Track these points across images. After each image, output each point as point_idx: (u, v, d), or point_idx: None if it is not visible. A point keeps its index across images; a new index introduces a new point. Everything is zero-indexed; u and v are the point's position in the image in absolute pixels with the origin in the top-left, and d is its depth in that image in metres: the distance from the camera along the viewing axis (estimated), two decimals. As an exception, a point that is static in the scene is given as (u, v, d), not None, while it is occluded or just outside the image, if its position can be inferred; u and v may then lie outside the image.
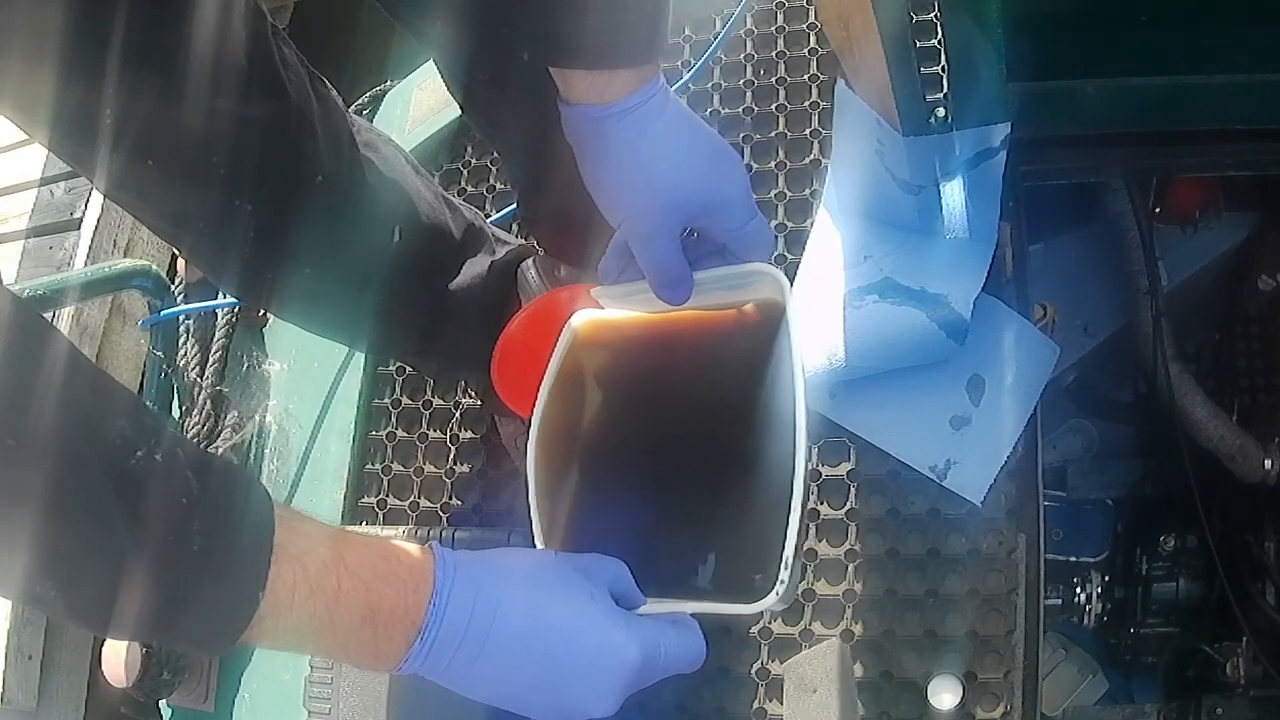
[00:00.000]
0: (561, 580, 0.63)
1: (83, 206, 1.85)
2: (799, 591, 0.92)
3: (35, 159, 1.98)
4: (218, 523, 0.53)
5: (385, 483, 1.17)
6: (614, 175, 0.72)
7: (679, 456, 0.77)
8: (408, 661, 0.58)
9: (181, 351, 1.25)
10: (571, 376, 0.80)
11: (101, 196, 1.80)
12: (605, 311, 0.81)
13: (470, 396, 1.16)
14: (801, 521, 0.66)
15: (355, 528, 1.13)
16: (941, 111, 0.96)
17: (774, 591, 0.65)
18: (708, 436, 0.76)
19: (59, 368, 0.50)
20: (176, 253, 1.30)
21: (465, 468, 1.14)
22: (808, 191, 1.11)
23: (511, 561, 0.64)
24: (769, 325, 0.74)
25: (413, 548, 0.61)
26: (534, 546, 0.75)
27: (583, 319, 0.81)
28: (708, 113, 1.19)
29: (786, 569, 0.65)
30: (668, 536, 0.74)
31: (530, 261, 1.02)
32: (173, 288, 1.28)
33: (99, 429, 0.50)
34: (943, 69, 0.95)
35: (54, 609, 0.52)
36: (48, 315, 1.56)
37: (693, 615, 0.68)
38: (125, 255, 1.81)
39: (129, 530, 0.50)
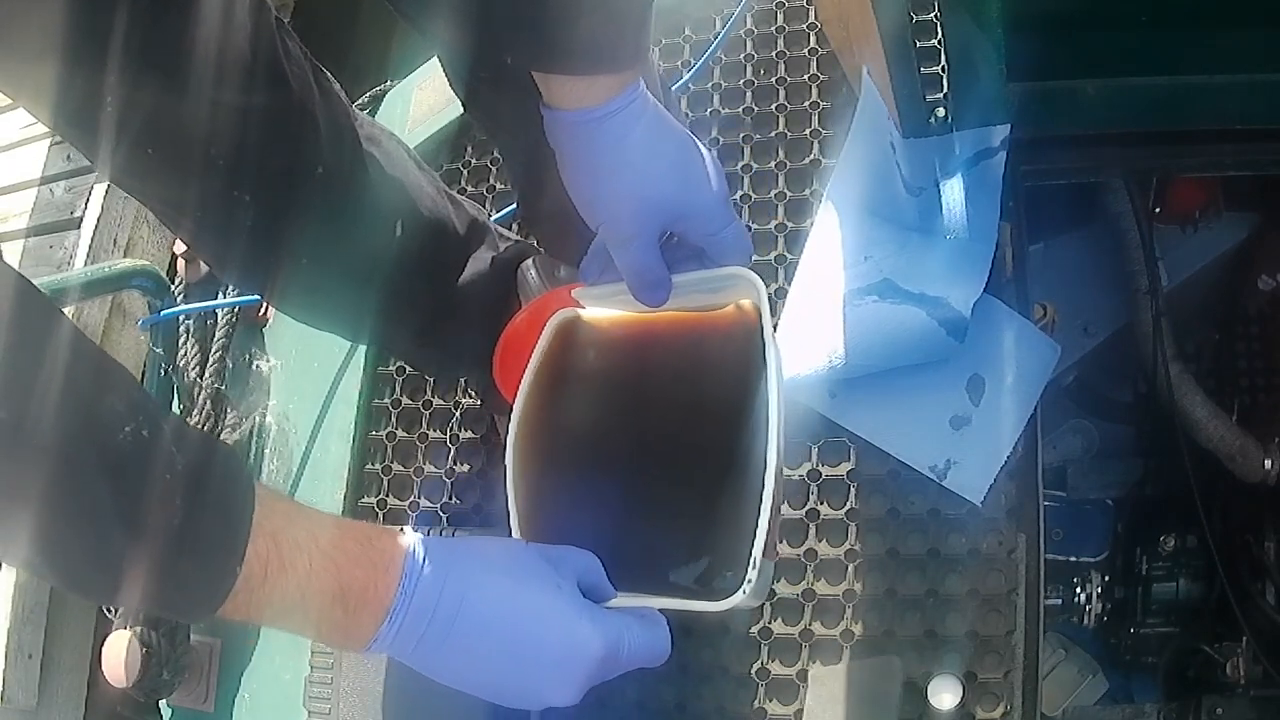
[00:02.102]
0: (530, 569, 0.64)
1: (83, 205, 1.84)
2: (799, 593, 0.93)
3: (35, 158, 1.98)
4: (199, 498, 0.54)
5: (385, 483, 1.17)
6: (593, 179, 0.73)
7: (657, 454, 0.78)
8: (376, 642, 0.60)
9: (181, 351, 1.25)
10: (553, 374, 0.81)
11: (102, 195, 1.80)
12: (589, 310, 0.82)
13: (470, 396, 1.16)
14: (771, 520, 0.67)
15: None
16: (941, 111, 0.96)
17: (741, 590, 0.66)
18: (686, 435, 0.77)
19: (58, 345, 0.51)
20: (180, 242, 1.30)
21: (465, 468, 1.14)
22: (808, 191, 1.11)
23: (482, 549, 0.65)
24: (746, 327, 0.75)
25: (387, 532, 0.62)
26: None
27: (565, 317, 0.82)
28: (708, 113, 1.19)
29: (754, 567, 0.66)
30: (644, 533, 0.75)
31: (531, 261, 1.02)
32: (173, 288, 1.28)
33: (92, 405, 0.51)
34: (943, 69, 0.95)
35: (44, 574, 0.55)
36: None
37: (663, 611, 0.69)
38: (125, 255, 1.80)
39: (113, 503, 0.51)
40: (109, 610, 1.08)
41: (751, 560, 0.66)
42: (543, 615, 0.62)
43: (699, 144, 0.75)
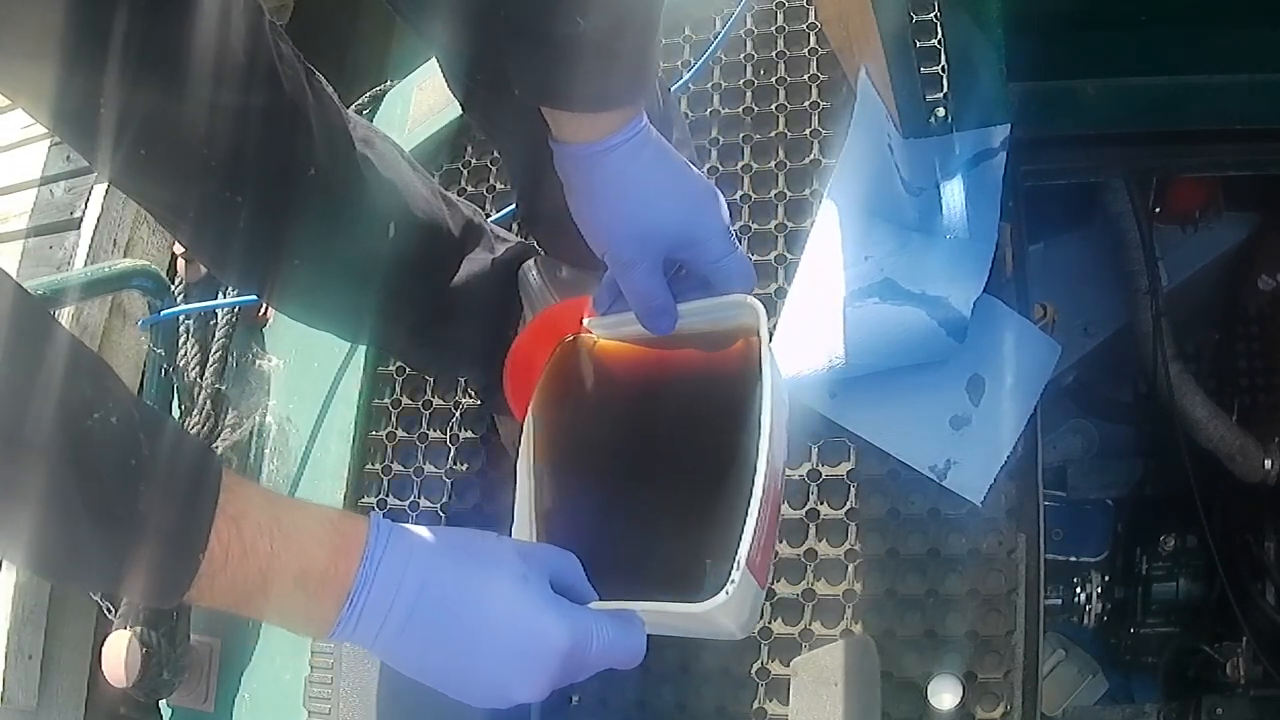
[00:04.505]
0: (496, 559, 0.63)
1: (83, 206, 1.84)
2: (799, 593, 0.93)
3: (35, 158, 1.98)
4: (164, 484, 0.54)
5: (385, 483, 1.17)
6: (598, 207, 0.75)
7: (662, 470, 0.79)
8: (339, 627, 0.59)
9: (181, 351, 1.25)
10: (561, 394, 0.83)
11: (102, 196, 1.80)
12: (594, 332, 0.84)
13: (470, 396, 1.16)
14: (761, 535, 0.68)
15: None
16: (941, 111, 0.96)
17: (724, 591, 0.65)
18: (690, 452, 0.79)
19: (27, 331, 0.51)
20: (178, 243, 1.31)
21: (465, 468, 1.14)
22: (808, 191, 1.11)
23: (449, 537, 0.64)
24: (748, 350, 0.77)
25: (352, 516, 0.61)
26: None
27: (572, 339, 0.85)
28: (708, 113, 1.19)
29: (738, 570, 0.66)
30: (641, 546, 0.76)
31: (532, 262, 1.02)
32: (173, 288, 1.28)
33: (61, 390, 0.52)
34: (943, 69, 0.95)
35: (14, 560, 0.54)
36: (47, 315, 1.56)
37: (647, 617, 0.68)
38: (125, 255, 1.80)
39: (78, 488, 0.51)
40: (109, 610, 1.08)
41: (736, 563, 0.66)
42: (504, 604, 0.62)
43: (700, 175, 0.78)
